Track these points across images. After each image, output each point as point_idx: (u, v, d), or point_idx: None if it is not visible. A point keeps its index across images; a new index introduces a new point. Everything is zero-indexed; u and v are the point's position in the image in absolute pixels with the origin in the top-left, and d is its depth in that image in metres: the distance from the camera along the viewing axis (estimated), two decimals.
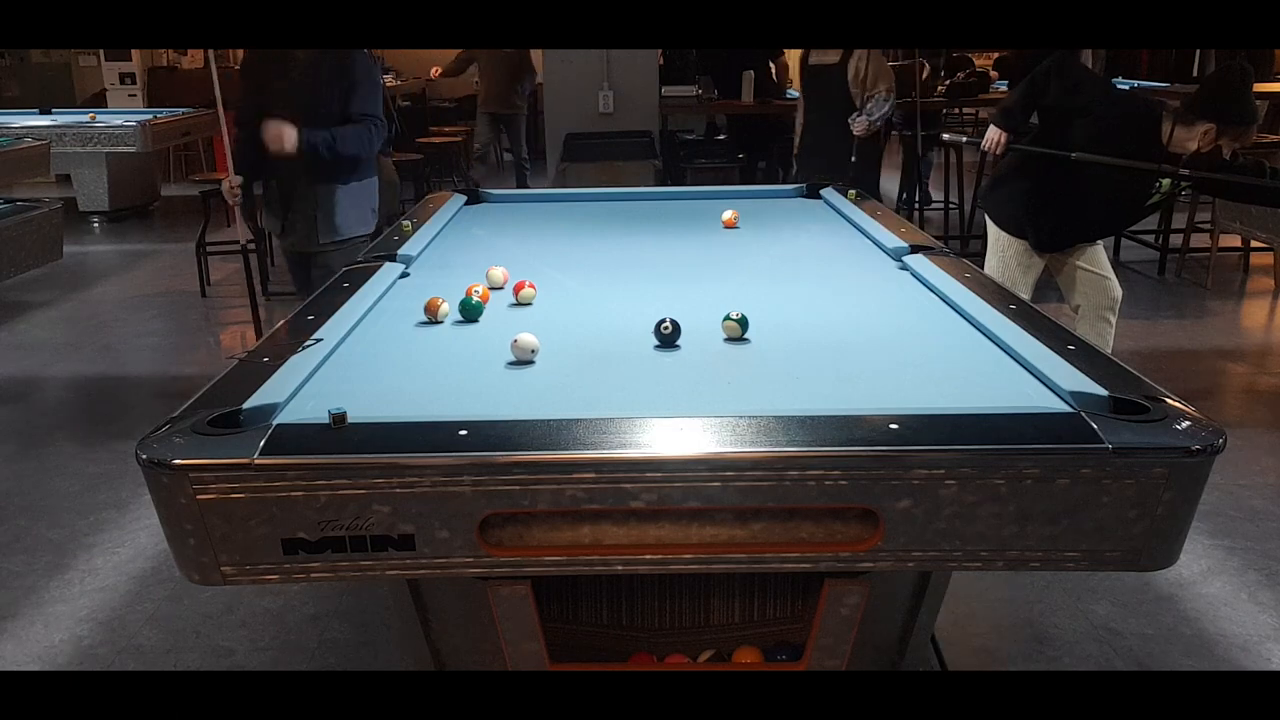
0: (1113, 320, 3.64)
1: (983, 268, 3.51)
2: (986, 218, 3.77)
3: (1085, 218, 3.53)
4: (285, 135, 3.24)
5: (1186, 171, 3.22)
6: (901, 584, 1.82)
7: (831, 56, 5.30)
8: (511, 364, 1.84)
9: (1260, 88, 7.57)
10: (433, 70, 8.05)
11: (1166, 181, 3.30)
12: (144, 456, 1.42)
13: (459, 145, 7.87)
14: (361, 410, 1.51)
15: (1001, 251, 3.67)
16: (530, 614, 1.63)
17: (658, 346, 1.93)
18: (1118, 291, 3.63)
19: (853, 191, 3.44)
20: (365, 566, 1.45)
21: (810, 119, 5.43)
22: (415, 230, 2.90)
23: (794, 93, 7.39)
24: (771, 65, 7.17)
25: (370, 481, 1.40)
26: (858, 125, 5.17)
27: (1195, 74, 9.18)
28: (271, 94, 3.37)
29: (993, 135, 3.47)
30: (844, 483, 1.41)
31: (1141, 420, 1.50)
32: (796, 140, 5.58)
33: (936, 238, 2.95)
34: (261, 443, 1.43)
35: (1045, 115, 3.49)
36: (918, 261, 2.46)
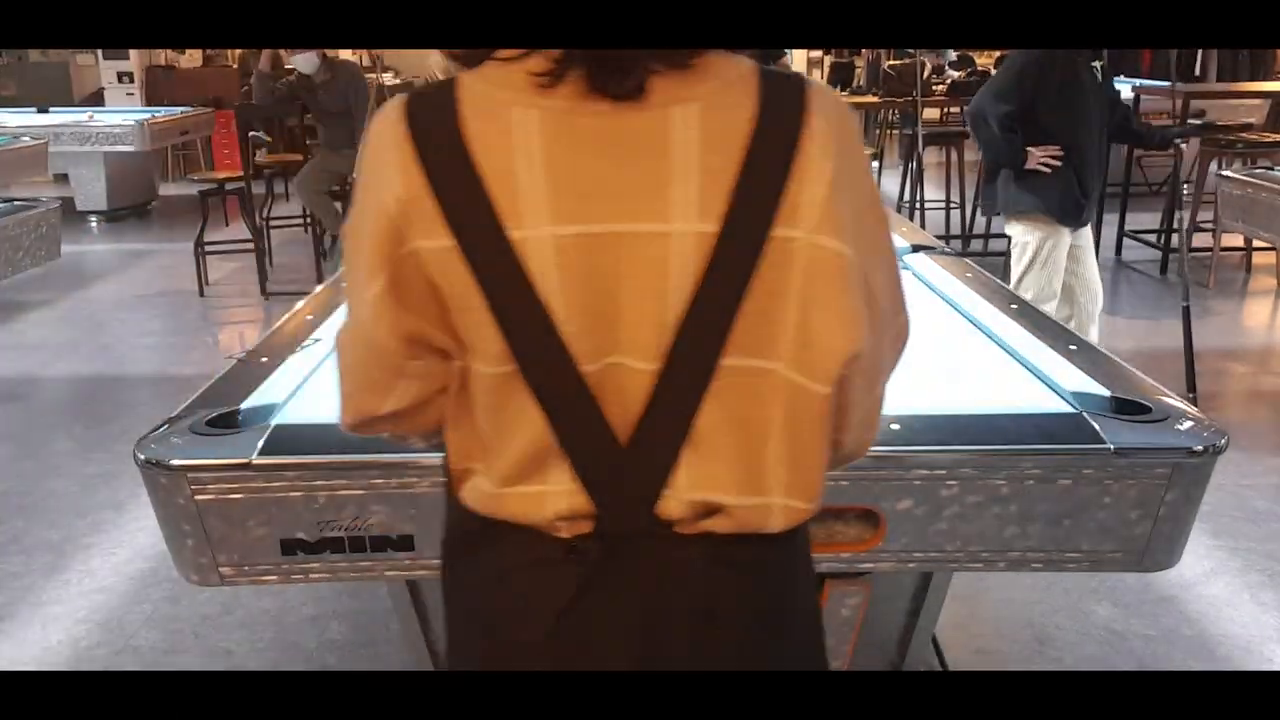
0: (1098, 320, 3.75)
1: (1009, 280, 3.55)
2: (1020, 229, 3.67)
3: (1103, 160, 3.68)
4: None
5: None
6: (903, 584, 1.82)
7: None
8: None
9: (1262, 87, 7.59)
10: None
11: None
12: (142, 457, 1.42)
13: None
14: None
15: (1047, 254, 3.62)
16: None
17: None
18: (1100, 290, 3.77)
19: None
20: (364, 567, 1.45)
21: None
22: None
23: None
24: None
25: (369, 482, 1.40)
26: None
27: (1198, 73, 9.17)
28: None
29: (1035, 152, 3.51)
30: (845, 483, 1.41)
31: (1143, 421, 1.49)
32: None
33: (937, 237, 2.95)
34: (260, 443, 1.43)
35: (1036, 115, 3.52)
36: (918, 261, 2.46)
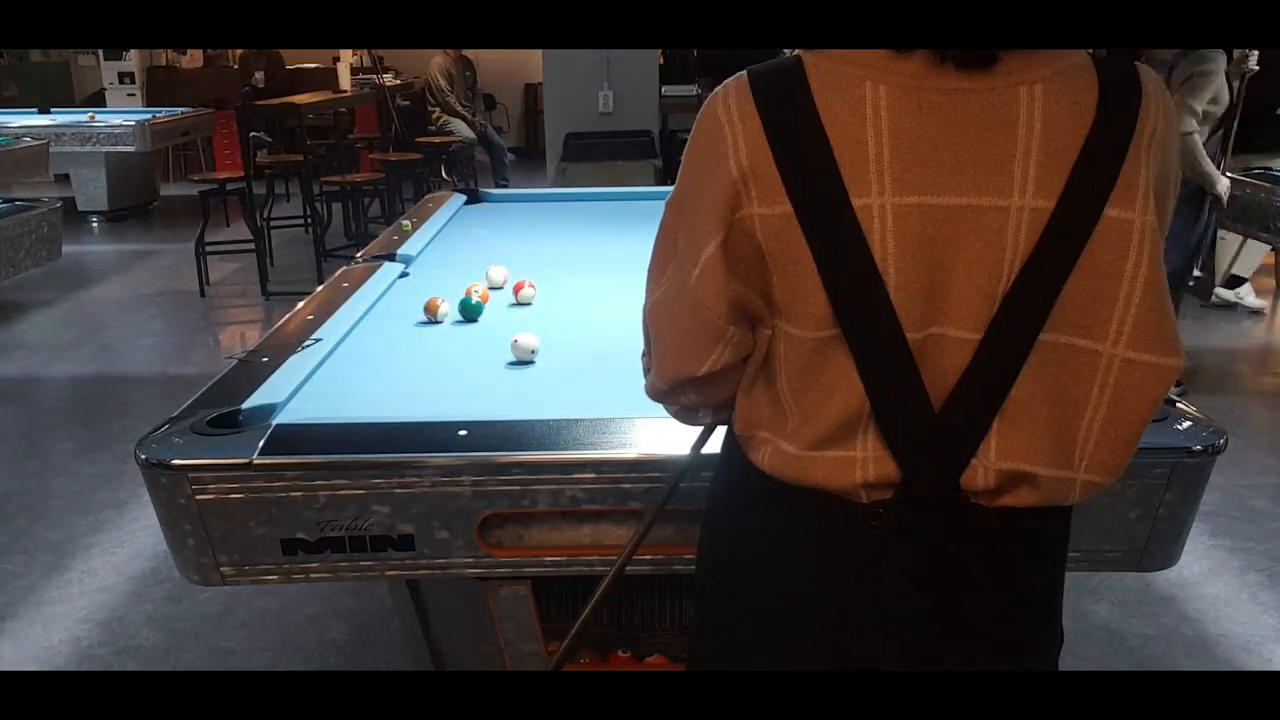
0: None
1: None
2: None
3: None
4: None
5: None
6: None
7: None
8: (511, 364, 1.84)
9: None
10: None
11: None
12: (143, 457, 1.42)
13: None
14: (361, 410, 1.51)
15: None
16: (530, 614, 1.63)
17: None
18: None
19: None
20: (365, 567, 1.45)
21: None
22: (415, 230, 2.90)
23: None
24: None
25: (370, 481, 1.40)
26: None
27: None
28: None
29: None
30: None
31: None
32: None
33: None
34: (261, 443, 1.43)
35: None
36: None
